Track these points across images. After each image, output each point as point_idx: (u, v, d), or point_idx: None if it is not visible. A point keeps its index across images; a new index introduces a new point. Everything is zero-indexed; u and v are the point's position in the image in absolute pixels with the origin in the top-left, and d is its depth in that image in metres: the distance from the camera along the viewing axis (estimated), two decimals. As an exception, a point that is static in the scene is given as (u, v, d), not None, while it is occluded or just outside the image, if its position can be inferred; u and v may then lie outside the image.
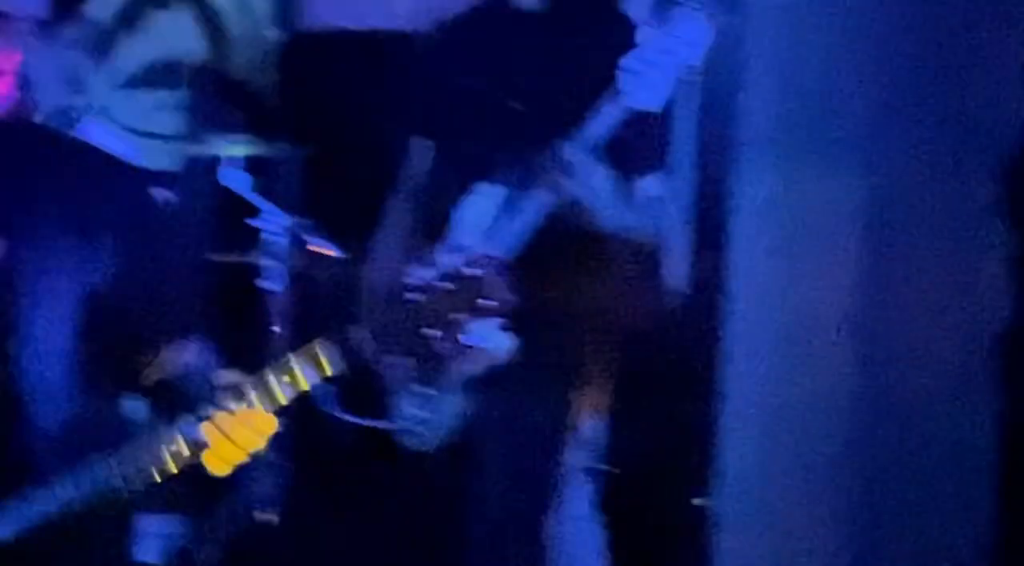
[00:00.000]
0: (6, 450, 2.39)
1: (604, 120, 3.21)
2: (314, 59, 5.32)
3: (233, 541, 4.51)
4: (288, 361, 2.23)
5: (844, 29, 3.64)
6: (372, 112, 4.78)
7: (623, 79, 3.16)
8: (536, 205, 3.30)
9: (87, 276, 2.43)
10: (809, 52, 3.64)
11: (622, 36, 3.27)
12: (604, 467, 3.77)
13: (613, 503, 3.79)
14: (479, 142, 3.45)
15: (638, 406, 3.72)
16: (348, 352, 2.24)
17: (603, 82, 3.19)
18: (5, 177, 2.47)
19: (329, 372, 2.23)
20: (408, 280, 2.56)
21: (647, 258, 3.42)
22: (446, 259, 3.18)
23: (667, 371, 3.80)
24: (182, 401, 2.39)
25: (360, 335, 2.22)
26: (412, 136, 3.69)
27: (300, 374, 2.21)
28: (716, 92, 3.55)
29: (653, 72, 3.12)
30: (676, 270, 3.60)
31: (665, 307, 3.62)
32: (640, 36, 3.21)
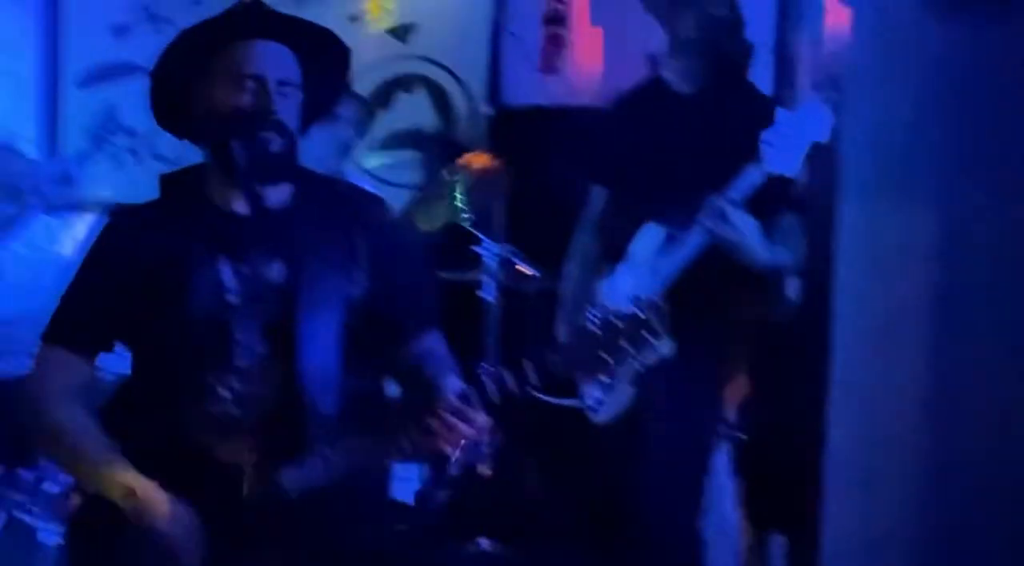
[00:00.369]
0: (293, 426, 2.38)
1: (749, 180, 3.28)
2: (517, 128, 5.47)
3: (460, 488, 4.70)
4: (501, 372, 2.33)
5: (926, 84, 3.41)
6: (562, 167, 4.89)
7: (764, 150, 3.21)
8: (693, 243, 3.37)
9: (351, 288, 2.47)
10: (898, 111, 3.40)
11: (761, 114, 3.34)
12: (739, 436, 3.95)
13: (744, 464, 3.98)
14: (647, 192, 3.53)
15: (765, 390, 3.82)
16: (543, 368, 2.32)
17: (745, 149, 3.26)
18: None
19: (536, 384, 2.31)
20: (588, 314, 2.58)
21: (774, 279, 3.51)
22: (619, 298, 3.25)
23: (787, 363, 3.78)
24: (424, 384, 2.51)
25: (553, 358, 2.32)
26: (593, 185, 3.83)
27: (509, 384, 2.30)
28: (823, 147, 3.50)
29: (788, 145, 3.20)
30: (794, 287, 3.67)
31: (786, 315, 3.71)
32: (778, 116, 3.28)
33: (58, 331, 2.45)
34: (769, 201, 3.36)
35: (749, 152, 3.24)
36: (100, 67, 5.39)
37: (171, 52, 2.41)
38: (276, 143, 2.35)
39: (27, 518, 4.58)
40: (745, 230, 3.32)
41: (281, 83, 2.38)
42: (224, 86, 2.38)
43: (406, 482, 4.89)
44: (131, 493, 2.27)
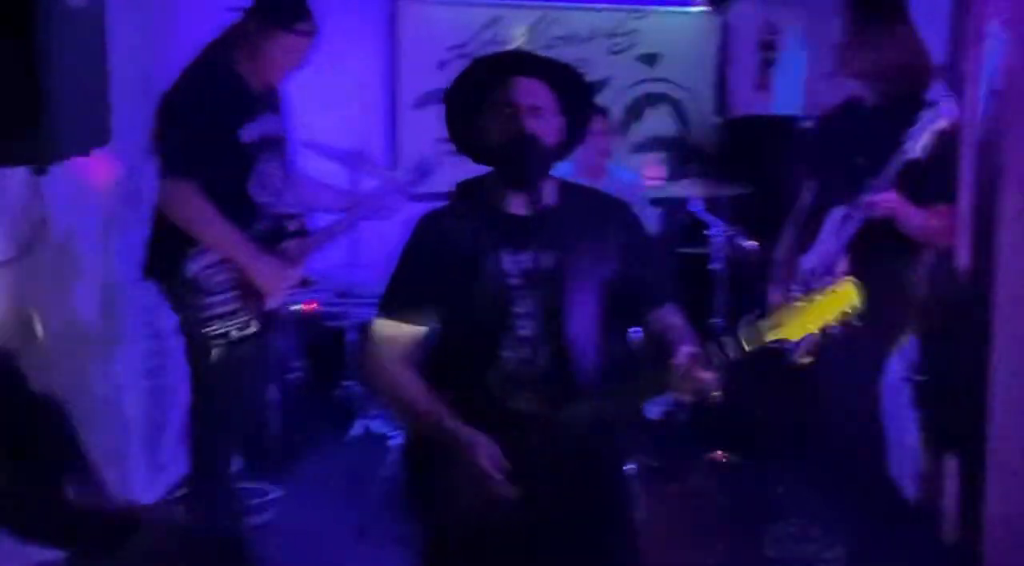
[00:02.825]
0: (564, 381, 2.32)
1: (894, 167, 3.07)
2: (739, 133, 5.35)
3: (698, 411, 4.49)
4: (725, 341, 2.20)
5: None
6: (778, 165, 4.85)
7: (906, 142, 3.02)
8: (859, 219, 3.16)
9: (605, 271, 2.39)
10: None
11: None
12: (917, 377, 3.77)
13: (922, 399, 3.77)
14: (838, 182, 3.32)
15: (939, 336, 3.59)
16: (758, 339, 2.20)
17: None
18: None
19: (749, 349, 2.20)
20: (792, 286, 2.42)
21: (944, 253, 3.30)
22: (812, 276, 3.21)
23: (957, 314, 3.49)
24: (664, 347, 2.33)
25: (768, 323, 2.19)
26: (804, 180, 3.62)
27: (741, 342, 2.20)
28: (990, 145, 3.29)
29: (920, 135, 3.00)
30: (963, 260, 3.42)
31: (957, 283, 3.45)
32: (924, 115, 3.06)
33: (389, 306, 2.46)
34: (926, 185, 3.15)
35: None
36: (428, 94, 5.48)
37: (455, 86, 2.41)
38: (532, 156, 2.29)
39: (380, 427, 4.79)
40: (892, 208, 3.11)
41: (533, 108, 2.32)
42: (493, 113, 2.35)
43: (657, 404, 4.88)
44: (453, 434, 2.27)
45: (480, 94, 2.36)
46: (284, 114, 3.35)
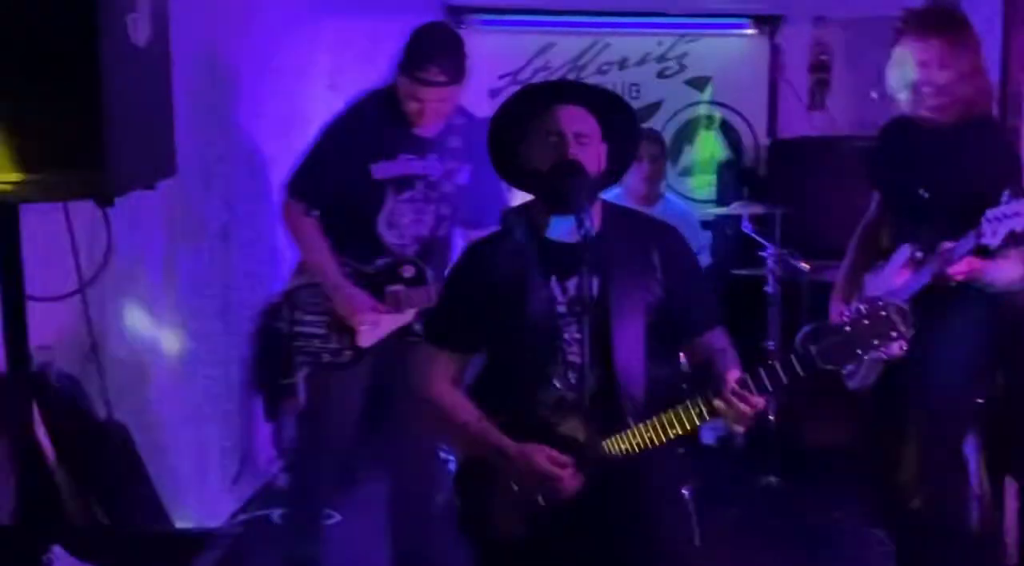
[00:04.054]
0: (612, 406, 2.30)
1: (965, 247, 2.84)
2: (789, 154, 5.28)
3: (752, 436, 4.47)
4: (773, 364, 2.21)
5: None
6: (824, 183, 4.89)
7: (983, 226, 2.75)
8: (935, 269, 2.94)
9: (650, 296, 2.37)
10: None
11: (1000, 153, 3.04)
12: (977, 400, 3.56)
13: (983, 422, 3.59)
14: (903, 207, 3.19)
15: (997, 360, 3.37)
16: (808, 363, 2.20)
17: (980, 186, 2.87)
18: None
19: (800, 373, 2.19)
20: (844, 312, 2.38)
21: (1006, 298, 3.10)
22: (865, 301, 2.99)
23: (1016, 340, 3.33)
24: (712, 372, 2.34)
25: (816, 346, 2.19)
26: (868, 197, 3.45)
27: (780, 374, 2.19)
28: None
29: (1001, 226, 2.73)
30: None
31: (1017, 306, 3.24)
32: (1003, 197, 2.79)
33: (436, 333, 2.50)
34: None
35: (983, 186, 2.85)
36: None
37: (500, 116, 2.40)
38: (577, 183, 2.27)
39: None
40: (970, 275, 2.90)
41: (577, 135, 2.32)
42: (537, 141, 2.34)
43: (711, 428, 4.85)
44: (504, 452, 2.30)
45: (525, 123, 2.36)
46: (434, 158, 3.31)
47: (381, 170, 3.24)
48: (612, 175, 2.46)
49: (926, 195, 3.07)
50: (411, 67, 3.15)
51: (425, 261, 3.31)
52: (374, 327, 3.27)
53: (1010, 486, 3.67)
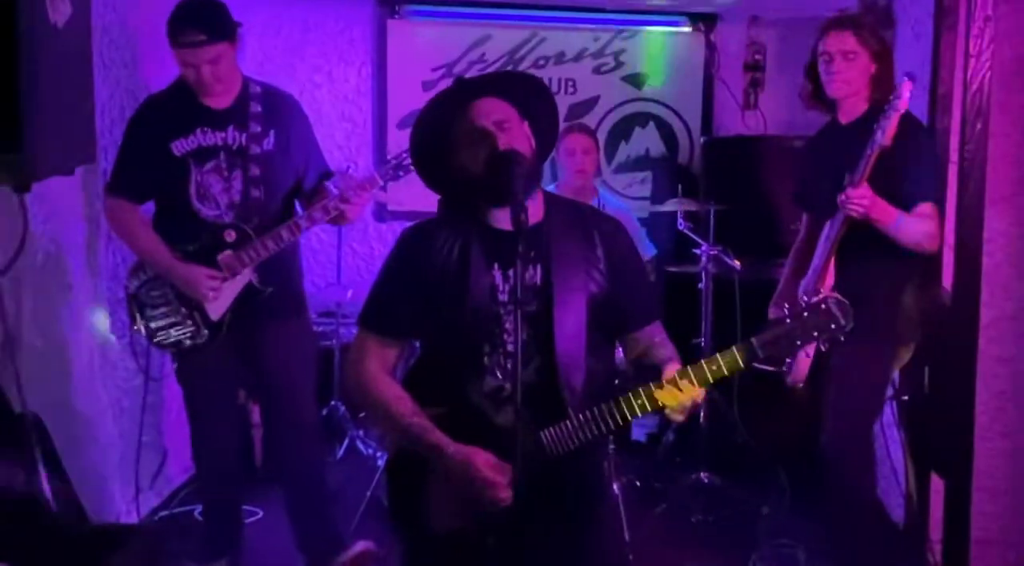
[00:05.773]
0: (550, 397, 2.29)
1: (866, 158, 3.03)
2: (724, 152, 5.29)
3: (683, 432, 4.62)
4: (716, 358, 2.23)
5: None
6: (758, 182, 4.95)
7: (875, 132, 3.01)
8: (836, 222, 3.14)
9: (592, 287, 2.36)
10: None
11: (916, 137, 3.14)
12: (903, 397, 3.75)
13: (909, 419, 3.77)
14: (824, 198, 3.27)
15: (924, 358, 3.57)
16: (752, 354, 2.22)
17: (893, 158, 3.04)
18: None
19: (742, 367, 2.22)
20: (785, 306, 2.36)
21: (930, 266, 3.27)
22: (804, 294, 3.13)
23: (941, 337, 3.52)
24: (648, 364, 2.40)
25: (758, 341, 2.22)
26: (800, 208, 3.62)
27: (722, 367, 2.22)
28: (973, 163, 3.35)
29: (887, 121, 2.98)
30: (948, 280, 3.49)
31: (943, 302, 3.53)
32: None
33: (370, 319, 2.45)
34: (906, 185, 3.11)
35: (896, 159, 3.07)
36: (414, 113, 5.49)
37: (420, 130, 2.39)
38: (514, 168, 2.24)
39: (364, 447, 4.78)
40: (867, 204, 3.04)
41: (498, 123, 2.31)
42: (464, 143, 2.32)
43: (641, 426, 4.89)
44: (440, 450, 2.27)
45: (445, 132, 2.34)
46: (233, 127, 3.42)
47: (180, 146, 3.37)
48: (543, 149, 2.44)
49: (843, 174, 3.17)
50: (172, 35, 3.28)
51: (245, 222, 3.41)
52: (218, 297, 3.39)
53: (936, 483, 3.74)
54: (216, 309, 3.42)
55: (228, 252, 3.39)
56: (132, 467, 3.78)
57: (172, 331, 3.43)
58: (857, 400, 3.27)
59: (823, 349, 2.82)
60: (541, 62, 5.59)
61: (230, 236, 3.40)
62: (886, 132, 3.00)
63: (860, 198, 3.05)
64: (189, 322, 3.42)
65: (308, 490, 3.62)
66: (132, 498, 3.84)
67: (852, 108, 3.31)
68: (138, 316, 3.46)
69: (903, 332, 3.33)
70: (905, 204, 3.10)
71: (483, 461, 2.23)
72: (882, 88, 3.24)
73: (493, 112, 2.32)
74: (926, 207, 3.14)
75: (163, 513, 4.16)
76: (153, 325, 3.44)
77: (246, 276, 3.42)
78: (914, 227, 3.12)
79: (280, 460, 3.65)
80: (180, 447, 4.18)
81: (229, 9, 3.38)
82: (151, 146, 3.37)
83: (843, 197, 3.07)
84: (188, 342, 3.43)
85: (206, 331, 3.42)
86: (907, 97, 3.00)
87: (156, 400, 4.18)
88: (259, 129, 3.42)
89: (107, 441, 3.78)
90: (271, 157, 3.44)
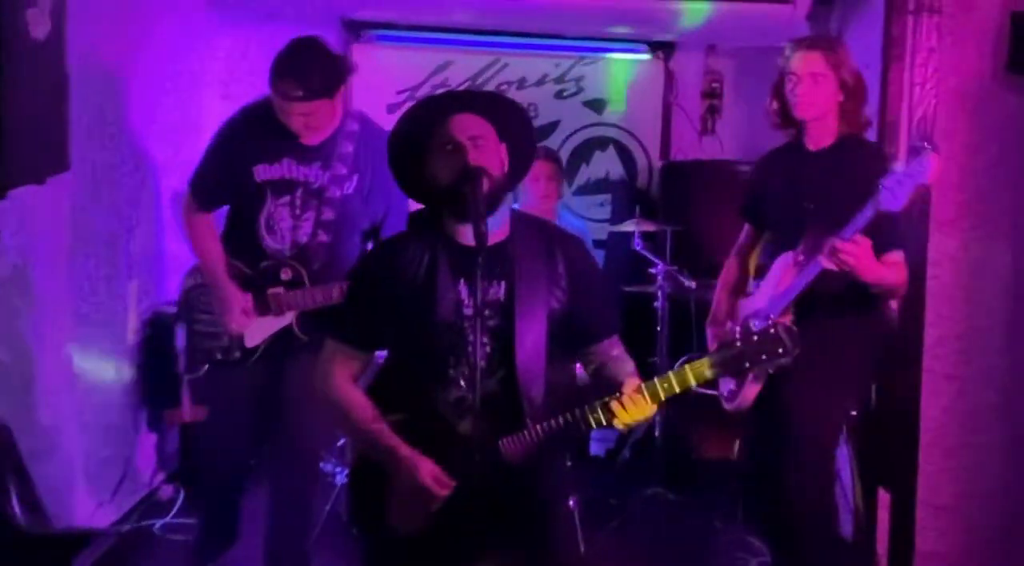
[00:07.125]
0: (511, 408, 2.33)
1: (863, 218, 2.93)
2: (680, 176, 5.45)
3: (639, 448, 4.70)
4: (668, 376, 2.28)
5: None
6: (712, 205, 4.99)
7: (881, 192, 2.85)
8: (812, 271, 3.07)
9: (553, 302, 2.39)
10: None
11: (878, 165, 3.09)
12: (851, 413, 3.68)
13: (856, 435, 3.78)
14: (775, 217, 3.34)
15: (872, 377, 3.53)
16: (701, 373, 2.26)
17: (862, 193, 2.94)
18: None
19: (692, 385, 2.27)
20: (732, 328, 2.35)
21: (880, 297, 3.25)
22: (755, 319, 3.15)
23: (889, 358, 3.49)
24: (606, 378, 2.44)
25: (709, 361, 2.26)
26: (744, 221, 3.62)
27: (674, 385, 2.26)
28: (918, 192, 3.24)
29: (901, 188, 2.83)
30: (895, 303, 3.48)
31: (890, 322, 3.48)
32: (895, 165, 3.00)
33: (340, 330, 2.50)
34: (879, 234, 3.05)
35: (864, 194, 2.95)
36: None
37: (397, 135, 2.44)
38: (481, 186, 2.29)
39: (326, 465, 4.77)
40: (855, 260, 2.99)
41: (473, 138, 2.35)
42: (437, 154, 2.37)
43: (599, 440, 4.96)
44: (394, 454, 2.34)
45: (421, 138, 2.39)
46: (318, 166, 3.35)
47: (262, 172, 3.34)
48: (516, 173, 2.48)
49: (811, 207, 3.21)
50: (273, 81, 3.24)
51: (303, 265, 3.36)
52: (258, 328, 3.37)
53: (882, 497, 3.82)
54: (252, 338, 3.39)
55: (280, 289, 3.36)
56: (92, 482, 3.78)
57: (207, 341, 3.42)
58: (819, 431, 3.26)
59: (771, 372, 2.84)
60: (503, 87, 5.70)
61: (286, 274, 3.37)
62: (899, 199, 2.84)
63: (851, 254, 2.98)
64: (226, 338, 3.40)
65: (294, 517, 3.55)
66: (92, 511, 3.83)
67: (819, 135, 3.28)
68: (183, 313, 3.45)
69: (851, 354, 3.31)
70: (876, 251, 3.07)
71: (427, 470, 2.31)
72: (850, 122, 3.25)
73: (470, 127, 2.36)
74: (897, 255, 3.15)
75: (122, 527, 4.11)
76: (194, 327, 3.44)
77: (289, 318, 3.38)
78: (890, 277, 3.13)
79: (276, 486, 3.56)
80: (141, 462, 4.17)
81: (338, 60, 3.32)
82: (234, 162, 3.35)
83: (831, 248, 3.00)
84: (219, 356, 3.41)
85: (238, 353, 3.40)
86: (932, 169, 2.83)
87: (117, 416, 4.18)
88: (344, 171, 3.35)
89: (68, 454, 3.78)
90: (348, 200, 3.37)
